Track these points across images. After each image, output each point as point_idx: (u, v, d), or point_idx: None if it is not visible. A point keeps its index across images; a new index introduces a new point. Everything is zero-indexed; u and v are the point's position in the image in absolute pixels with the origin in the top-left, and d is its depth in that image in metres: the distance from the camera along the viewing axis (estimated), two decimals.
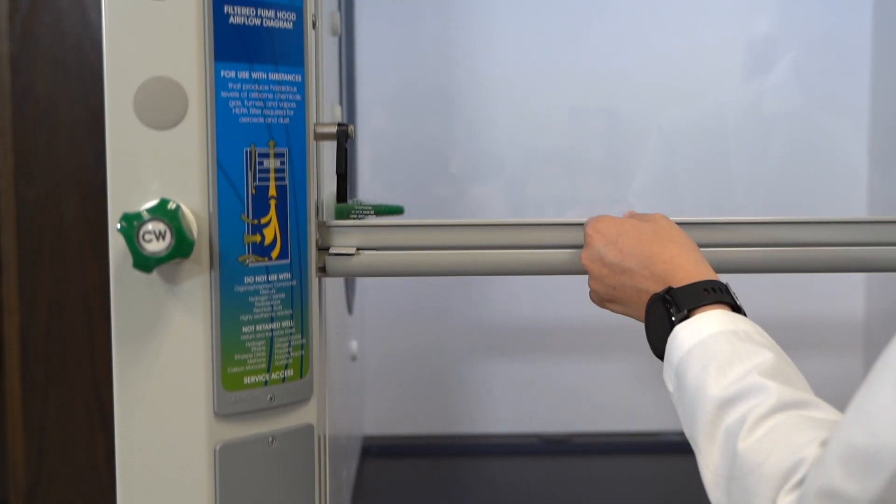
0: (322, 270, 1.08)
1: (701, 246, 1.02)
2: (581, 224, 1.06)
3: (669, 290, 0.92)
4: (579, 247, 1.05)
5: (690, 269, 0.94)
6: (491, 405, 2.11)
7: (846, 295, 2.11)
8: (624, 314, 1.01)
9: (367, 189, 2.01)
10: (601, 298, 1.03)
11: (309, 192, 1.03)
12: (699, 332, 0.87)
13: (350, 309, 1.60)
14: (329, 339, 1.15)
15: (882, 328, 2.06)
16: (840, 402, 2.25)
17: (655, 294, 0.94)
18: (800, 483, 0.73)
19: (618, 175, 2.11)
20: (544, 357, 2.11)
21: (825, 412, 0.80)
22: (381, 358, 2.06)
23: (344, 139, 1.05)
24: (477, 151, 2.11)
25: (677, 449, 1.67)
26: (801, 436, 0.76)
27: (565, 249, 1.09)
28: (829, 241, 1.11)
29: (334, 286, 1.36)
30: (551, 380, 2.10)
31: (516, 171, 2.12)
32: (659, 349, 0.93)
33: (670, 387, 0.90)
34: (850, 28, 2.03)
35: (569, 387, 2.10)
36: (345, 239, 1.09)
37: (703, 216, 1.10)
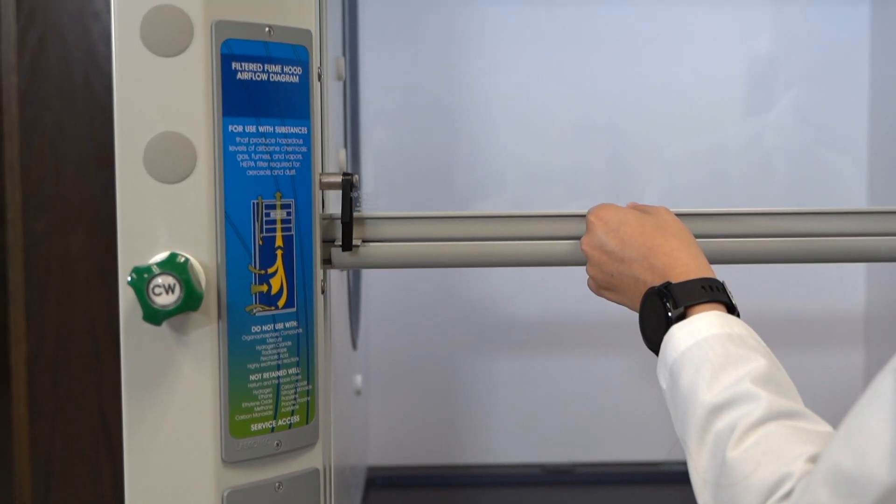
0: (327, 262, 1.09)
1: (701, 237, 1.05)
2: (583, 216, 1.07)
3: (668, 285, 0.93)
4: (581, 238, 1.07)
5: (689, 264, 0.95)
6: (494, 436, 2.13)
7: (847, 289, 2.11)
8: (619, 303, 1.03)
9: (370, 205, 2.02)
10: (598, 286, 1.04)
11: (315, 237, 1.05)
12: (695, 333, 0.89)
13: (354, 344, 1.62)
14: (334, 375, 1.17)
15: (883, 322, 2.07)
16: (841, 397, 2.27)
17: (653, 287, 0.95)
18: (786, 496, 0.75)
19: (620, 199, 2.12)
20: (549, 389, 2.12)
21: (814, 423, 0.82)
22: (384, 390, 2.07)
23: (349, 188, 1.07)
24: (479, 168, 2.13)
25: (681, 479, 1.67)
26: (790, 449, 0.78)
27: (568, 241, 1.11)
28: (829, 231, 1.12)
29: (339, 320, 1.38)
30: (555, 411, 2.12)
31: (518, 189, 2.14)
32: (651, 341, 0.95)
33: (663, 384, 0.91)
34: (849, 66, 2.05)
35: (572, 417, 2.12)
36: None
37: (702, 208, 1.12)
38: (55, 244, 1.86)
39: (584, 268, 1.06)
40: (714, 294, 0.92)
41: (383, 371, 2.07)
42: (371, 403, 2.04)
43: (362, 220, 1.11)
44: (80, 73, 1.85)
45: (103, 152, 1.83)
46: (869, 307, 2.11)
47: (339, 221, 1.09)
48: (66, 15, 1.85)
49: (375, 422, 2.06)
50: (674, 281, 0.94)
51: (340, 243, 1.09)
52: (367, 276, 1.93)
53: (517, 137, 2.10)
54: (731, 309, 0.93)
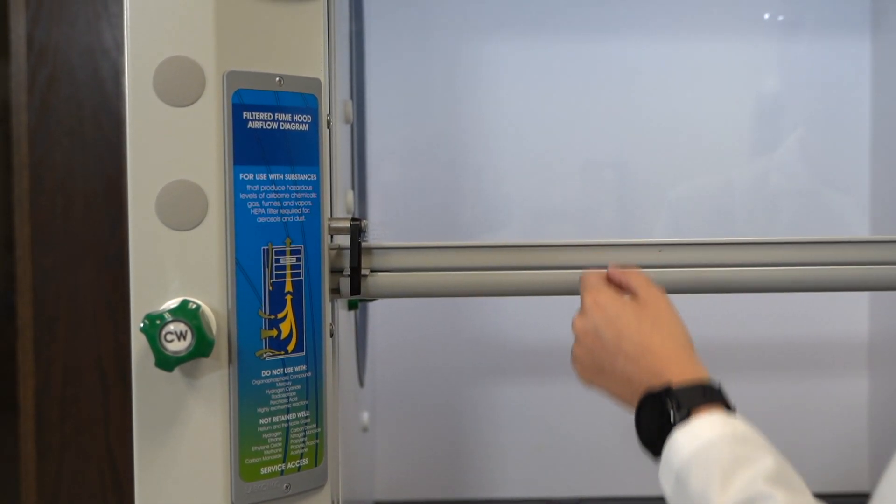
0: (336, 292, 1.11)
1: (706, 266, 1.08)
2: (593, 245, 1.10)
3: (669, 390, 0.93)
4: (595, 266, 1.08)
5: (687, 367, 0.95)
6: (500, 470, 2.13)
7: (850, 315, 2.12)
8: (606, 394, 1.01)
9: (377, 236, 2.03)
10: (584, 369, 1.03)
11: (323, 268, 1.06)
12: (700, 435, 0.89)
13: (361, 382, 1.63)
14: (341, 413, 1.18)
15: (886, 349, 2.07)
16: (845, 423, 2.25)
17: (651, 390, 0.95)
18: None
19: (627, 235, 2.13)
20: (556, 422, 2.13)
21: None
22: (390, 425, 2.08)
23: (357, 234, 1.08)
24: (485, 204, 2.14)
25: None
26: None
27: (576, 270, 1.12)
28: (832, 260, 1.14)
29: (346, 359, 1.39)
30: (562, 444, 2.12)
31: (524, 225, 2.15)
32: (649, 444, 0.94)
33: (667, 489, 0.91)
34: (851, 104, 2.07)
35: (579, 451, 2.12)
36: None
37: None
38: (63, 280, 1.88)
39: None
40: (713, 396, 0.93)
41: (389, 407, 2.08)
42: (377, 439, 2.05)
43: (370, 249, 1.12)
44: (90, 110, 1.87)
45: (112, 189, 1.85)
46: (872, 334, 2.12)
47: (347, 251, 1.11)
48: (76, 53, 1.87)
49: (382, 457, 2.07)
50: (674, 384, 0.93)
51: (348, 273, 1.10)
52: (374, 311, 1.94)
53: (523, 173, 2.11)
54: (729, 408, 0.93)
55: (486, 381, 2.13)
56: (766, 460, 0.86)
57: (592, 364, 1.01)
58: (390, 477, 2.08)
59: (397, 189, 2.10)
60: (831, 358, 2.14)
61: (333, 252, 1.10)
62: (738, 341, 2.05)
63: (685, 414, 0.91)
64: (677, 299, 1.07)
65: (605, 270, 1.07)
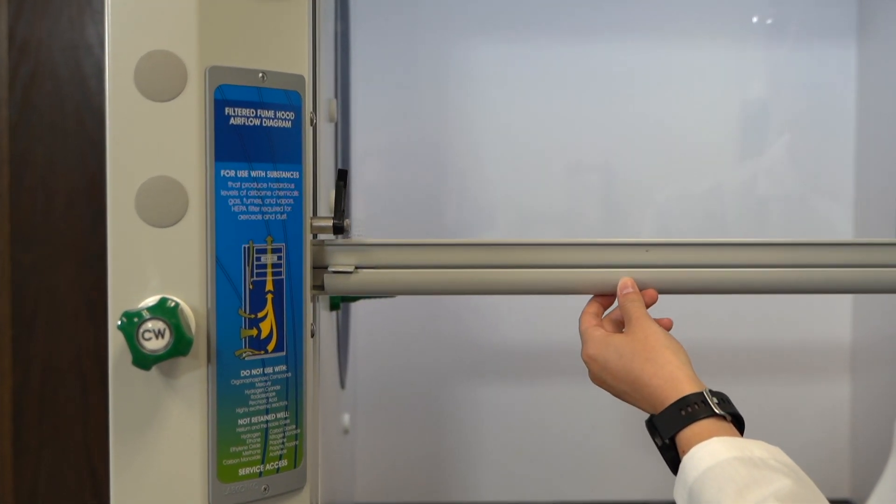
0: (319, 288, 1.10)
1: (692, 266, 1.09)
2: (580, 244, 1.12)
3: (652, 417, 0.99)
4: (582, 266, 1.12)
5: (667, 389, 1.00)
6: (480, 473, 2.12)
7: (833, 319, 2.13)
8: None
9: (360, 233, 2.02)
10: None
11: (305, 284, 1.05)
12: (715, 454, 0.91)
13: (342, 383, 1.61)
14: (322, 415, 1.17)
15: (868, 352, 2.08)
16: (827, 427, 2.25)
17: (647, 420, 1.01)
18: None
19: (614, 236, 2.12)
20: (536, 425, 2.12)
21: None
22: (371, 427, 2.07)
23: (340, 232, 1.07)
24: (470, 206, 2.14)
25: None
26: None
27: (566, 269, 1.12)
28: (817, 262, 1.14)
29: (328, 360, 1.38)
30: (542, 448, 2.11)
31: (509, 227, 2.15)
32: (664, 457, 1.00)
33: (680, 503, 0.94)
34: (837, 109, 2.07)
35: (559, 454, 2.11)
36: (343, 258, 1.11)
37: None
38: (43, 277, 1.86)
39: (574, 296, 1.12)
40: (695, 411, 0.96)
41: (370, 409, 2.07)
42: (358, 441, 2.03)
43: (355, 245, 1.11)
44: (72, 107, 1.86)
45: (93, 186, 1.84)
46: (855, 337, 2.12)
47: (330, 247, 1.10)
48: (58, 49, 1.85)
49: (362, 459, 2.06)
50: (658, 410, 0.99)
51: (333, 269, 1.09)
52: (355, 312, 1.93)
53: (508, 175, 2.11)
54: (737, 418, 0.97)
55: (468, 382, 2.12)
56: (782, 482, 0.87)
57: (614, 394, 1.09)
58: (371, 480, 2.07)
59: (382, 189, 2.09)
60: (814, 362, 2.15)
61: (316, 248, 1.09)
62: (721, 343, 2.05)
63: (668, 442, 0.97)
64: (663, 299, 1.09)
65: (596, 301, 1.14)
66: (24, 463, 1.86)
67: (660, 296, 1.11)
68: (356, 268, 1.11)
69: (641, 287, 1.11)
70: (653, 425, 0.99)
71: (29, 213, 1.85)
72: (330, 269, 1.10)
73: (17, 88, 1.84)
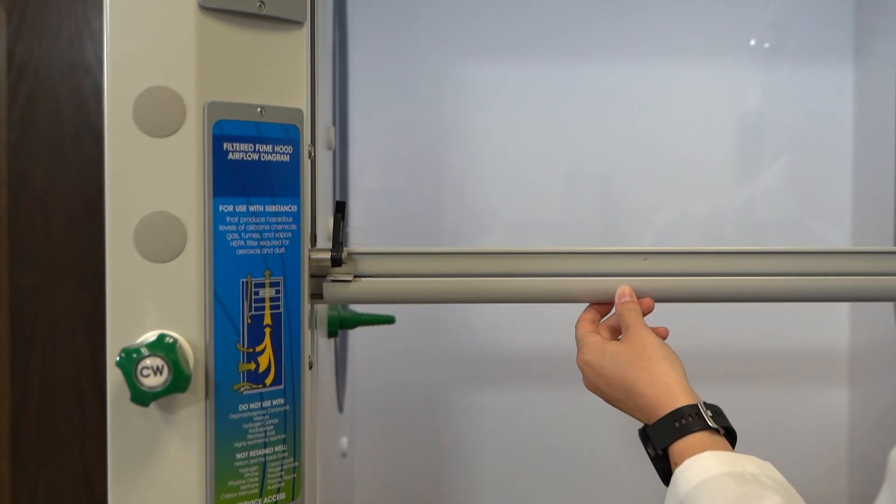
0: (317, 297, 1.10)
1: (689, 275, 1.09)
2: (578, 253, 1.12)
3: (645, 427, 0.99)
4: (580, 275, 1.12)
5: (661, 399, 0.99)
6: (479, 492, 2.12)
7: (831, 326, 2.14)
8: None
9: (359, 242, 2.02)
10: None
11: (303, 316, 1.05)
12: (707, 468, 0.91)
13: (340, 407, 1.61)
14: (320, 440, 1.17)
15: (866, 359, 2.08)
16: (824, 434, 2.25)
17: (640, 429, 1.01)
18: None
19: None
20: (535, 441, 2.12)
21: None
22: (370, 449, 2.07)
23: (338, 265, 1.07)
24: (467, 218, 2.14)
25: None
26: None
27: (564, 277, 1.13)
28: (816, 270, 1.14)
29: (326, 386, 1.38)
30: (542, 464, 2.11)
31: (507, 239, 2.15)
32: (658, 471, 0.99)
33: None
34: (834, 131, 2.08)
35: (559, 470, 2.11)
36: (342, 267, 1.11)
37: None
38: (41, 298, 1.86)
39: (571, 304, 1.13)
40: (689, 423, 0.96)
41: (368, 429, 2.07)
42: (356, 462, 2.03)
43: (353, 255, 1.11)
44: (71, 127, 1.86)
45: (92, 206, 1.84)
46: (853, 344, 2.13)
47: (328, 255, 1.09)
48: (57, 70, 1.85)
49: (361, 480, 2.06)
50: (652, 420, 0.99)
51: (332, 278, 1.10)
52: (353, 334, 1.93)
53: (506, 188, 2.11)
54: (730, 431, 0.97)
55: (467, 396, 2.12)
56: (773, 499, 0.87)
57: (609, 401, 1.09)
58: (369, 501, 2.06)
59: (380, 201, 2.09)
60: (812, 369, 2.15)
61: (315, 256, 1.09)
62: (718, 352, 2.05)
63: (661, 453, 0.97)
64: (660, 308, 1.09)
65: (593, 308, 1.14)
66: (22, 483, 1.85)
67: (657, 304, 1.11)
68: (355, 276, 1.11)
69: (639, 295, 1.11)
70: (646, 435, 0.99)
71: (27, 233, 1.85)
72: (328, 277, 1.10)
73: (16, 109, 1.84)
